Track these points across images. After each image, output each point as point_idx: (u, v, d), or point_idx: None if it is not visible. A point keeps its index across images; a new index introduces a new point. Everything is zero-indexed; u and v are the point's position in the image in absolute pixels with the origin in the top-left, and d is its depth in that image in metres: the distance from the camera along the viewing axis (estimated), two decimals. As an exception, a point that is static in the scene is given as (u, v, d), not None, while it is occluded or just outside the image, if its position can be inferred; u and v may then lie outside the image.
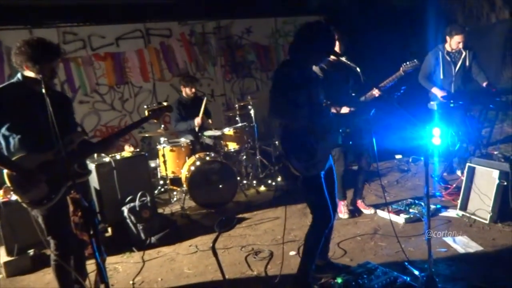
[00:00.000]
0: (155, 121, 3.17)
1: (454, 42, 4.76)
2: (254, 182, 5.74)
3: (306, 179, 2.81)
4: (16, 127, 2.57)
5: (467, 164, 4.06)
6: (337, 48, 3.64)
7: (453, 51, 4.84)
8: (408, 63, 4.02)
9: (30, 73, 2.58)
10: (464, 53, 4.83)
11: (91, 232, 2.07)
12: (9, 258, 3.81)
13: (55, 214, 2.68)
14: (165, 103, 3.18)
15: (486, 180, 3.84)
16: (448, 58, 4.86)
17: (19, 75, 2.62)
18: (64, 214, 2.70)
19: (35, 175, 2.56)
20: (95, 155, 4.69)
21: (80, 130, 3.10)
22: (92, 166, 4.43)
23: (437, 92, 4.88)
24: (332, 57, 3.05)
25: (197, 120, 5.50)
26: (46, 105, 2.28)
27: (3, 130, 2.57)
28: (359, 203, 4.45)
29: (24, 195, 2.58)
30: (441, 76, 4.89)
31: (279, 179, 5.76)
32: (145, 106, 3.17)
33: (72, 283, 2.89)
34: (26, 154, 2.57)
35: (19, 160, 2.55)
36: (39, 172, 2.57)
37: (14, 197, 3.67)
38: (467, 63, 4.85)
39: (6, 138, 2.59)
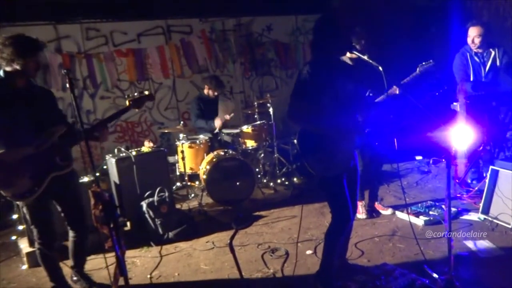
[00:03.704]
0: (137, 110, 3.06)
1: (470, 37, 4.45)
2: (272, 180, 5.74)
3: (325, 179, 2.77)
4: None
5: (490, 167, 3.97)
6: (358, 46, 3.59)
7: (479, 51, 4.54)
8: (424, 63, 4.00)
9: (12, 68, 2.58)
10: (493, 53, 4.53)
11: (111, 226, 2.11)
12: (31, 249, 3.88)
13: (39, 205, 2.74)
14: (146, 92, 3.01)
15: (510, 183, 3.75)
16: (477, 59, 4.58)
17: (0, 72, 2.63)
18: (46, 205, 2.78)
19: (16, 170, 2.56)
20: (115, 150, 4.78)
21: (72, 121, 3.09)
22: (112, 161, 4.50)
23: (467, 85, 4.61)
24: (352, 55, 2.99)
25: (218, 123, 5.54)
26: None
27: None
28: (377, 204, 4.40)
29: (6, 190, 2.60)
30: (471, 79, 4.62)
31: (296, 177, 5.75)
32: (126, 96, 3.01)
33: (59, 268, 3.01)
34: (6, 150, 2.58)
35: (0, 156, 2.55)
36: (21, 167, 2.58)
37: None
38: (498, 63, 4.53)
39: None
